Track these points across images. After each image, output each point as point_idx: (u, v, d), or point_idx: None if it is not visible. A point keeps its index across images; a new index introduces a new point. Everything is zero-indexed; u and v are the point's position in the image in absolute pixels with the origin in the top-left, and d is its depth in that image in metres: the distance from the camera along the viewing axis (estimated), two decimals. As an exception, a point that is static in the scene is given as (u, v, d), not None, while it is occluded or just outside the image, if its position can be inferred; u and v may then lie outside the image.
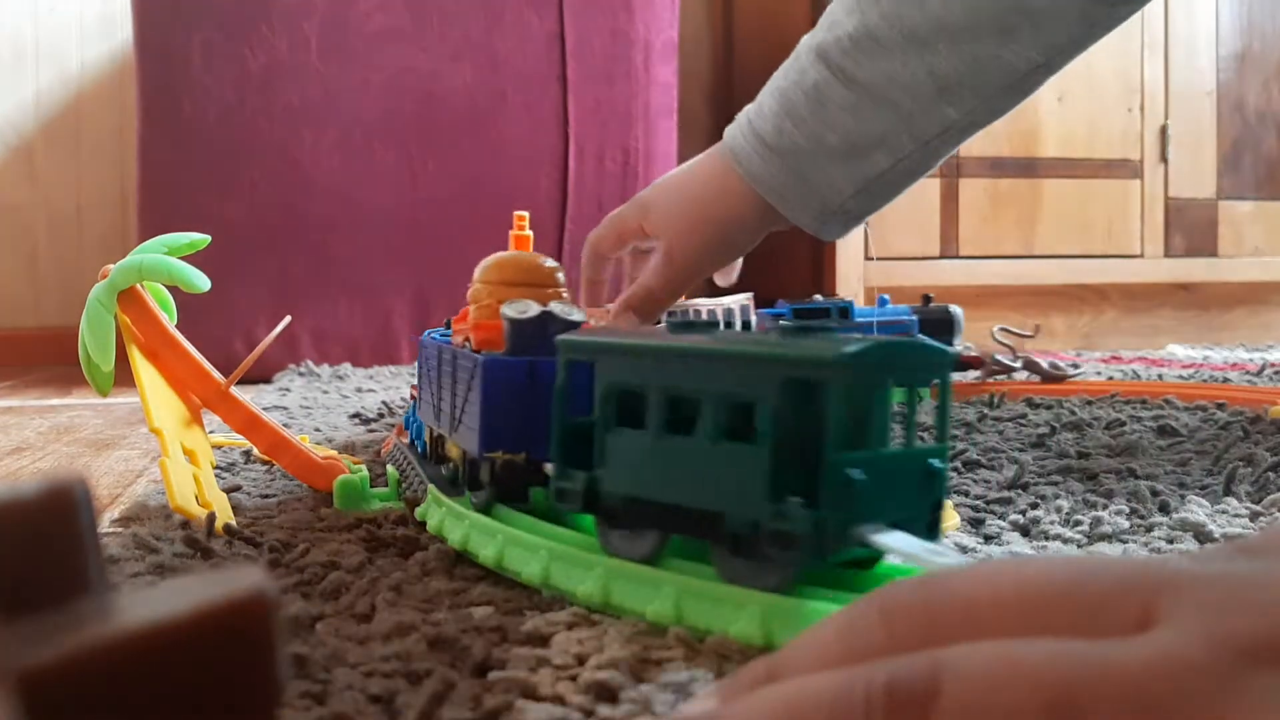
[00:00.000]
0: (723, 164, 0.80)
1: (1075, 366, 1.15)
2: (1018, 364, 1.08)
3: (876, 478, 0.32)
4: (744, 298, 1.09)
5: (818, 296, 1.06)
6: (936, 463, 0.34)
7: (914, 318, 1.05)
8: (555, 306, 0.47)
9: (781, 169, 0.77)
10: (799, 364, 0.32)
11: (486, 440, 0.44)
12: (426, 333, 0.59)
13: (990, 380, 1.07)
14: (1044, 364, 1.08)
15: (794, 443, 0.32)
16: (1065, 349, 1.75)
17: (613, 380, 0.37)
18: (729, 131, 0.81)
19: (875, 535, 0.31)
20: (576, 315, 0.47)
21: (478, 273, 0.52)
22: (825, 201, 0.78)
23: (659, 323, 0.84)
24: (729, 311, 1.07)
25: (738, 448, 0.33)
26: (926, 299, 1.09)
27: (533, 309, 0.46)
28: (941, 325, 1.07)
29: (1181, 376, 1.18)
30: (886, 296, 1.08)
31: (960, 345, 1.08)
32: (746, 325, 1.07)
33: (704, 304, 1.08)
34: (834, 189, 0.78)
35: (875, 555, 0.34)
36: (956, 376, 1.08)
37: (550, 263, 0.52)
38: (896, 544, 0.31)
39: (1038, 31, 0.73)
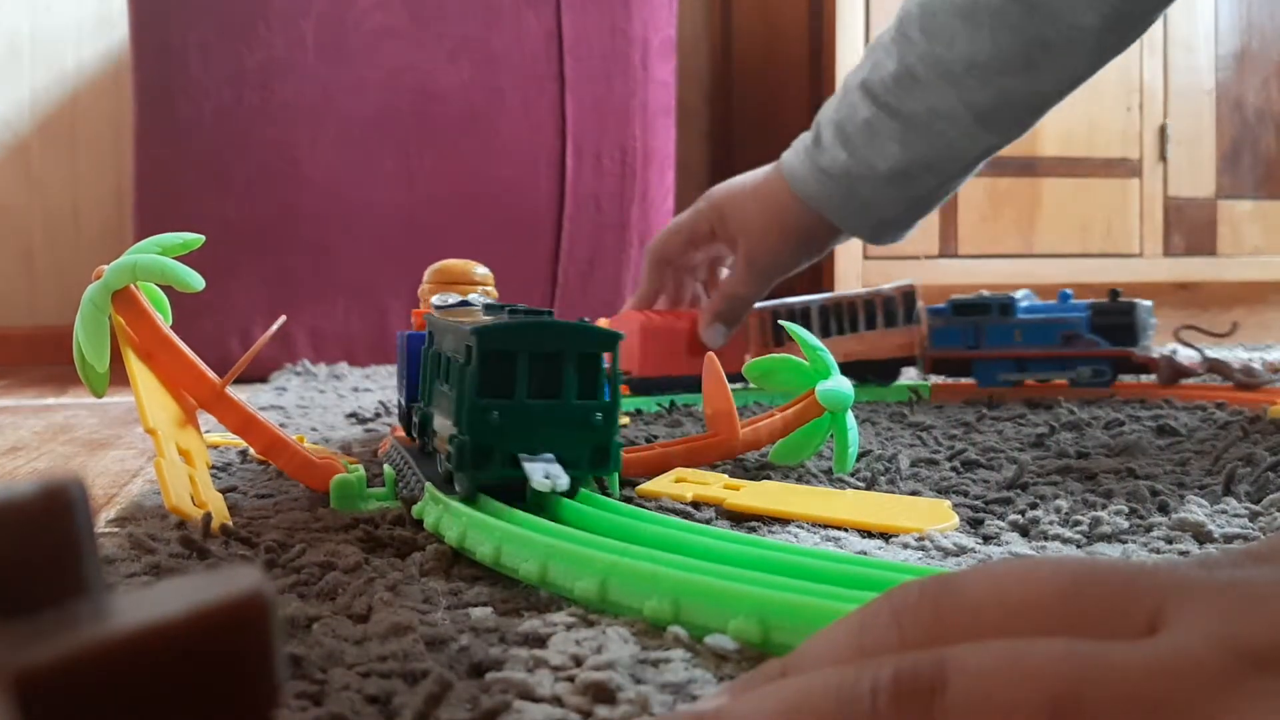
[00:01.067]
0: (783, 183, 0.89)
1: (1277, 371, 0.99)
2: (1202, 369, 0.96)
3: (521, 420, 0.44)
4: (904, 284, 1.05)
5: (984, 292, 1.04)
6: (598, 415, 0.45)
7: (1084, 314, 0.98)
8: (472, 297, 0.63)
9: (836, 191, 0.87)
10: (468, 335, 0.44)
11: (409, 394, 0.60)
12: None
13: (1171, 385, 0.96)
14: (1235, 368, 0.94)
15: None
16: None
17: (434, 347, 0.51)
18: (786, 159, 0.90)
19: (524, 461, 0.44)
20: (487, 302, 0.62)
21: (425, 275, 0.67)
22: (880, 217, 0.89)
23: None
24: (889, 300, 1.04)
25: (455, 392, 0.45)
26: (1114, 294, 1.00)
27: (452, 299, 0.61)
28: (1119, 324, 0.97)
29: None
30: (1069, 292, 1.02)
31: (1143, 346, 0.97)
32: (909, 314, 1.03)
33: (859, 293, 1.06)
34: (885, 207, 0.88)
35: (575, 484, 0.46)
36: (1128, 379, 0.99)
37: (480, 269, 0.67)
38: (527, 467, 0.43)
39: (1057, 63, 0.80)
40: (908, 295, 1.04)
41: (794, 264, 0.93)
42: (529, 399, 0.44)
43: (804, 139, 0.89)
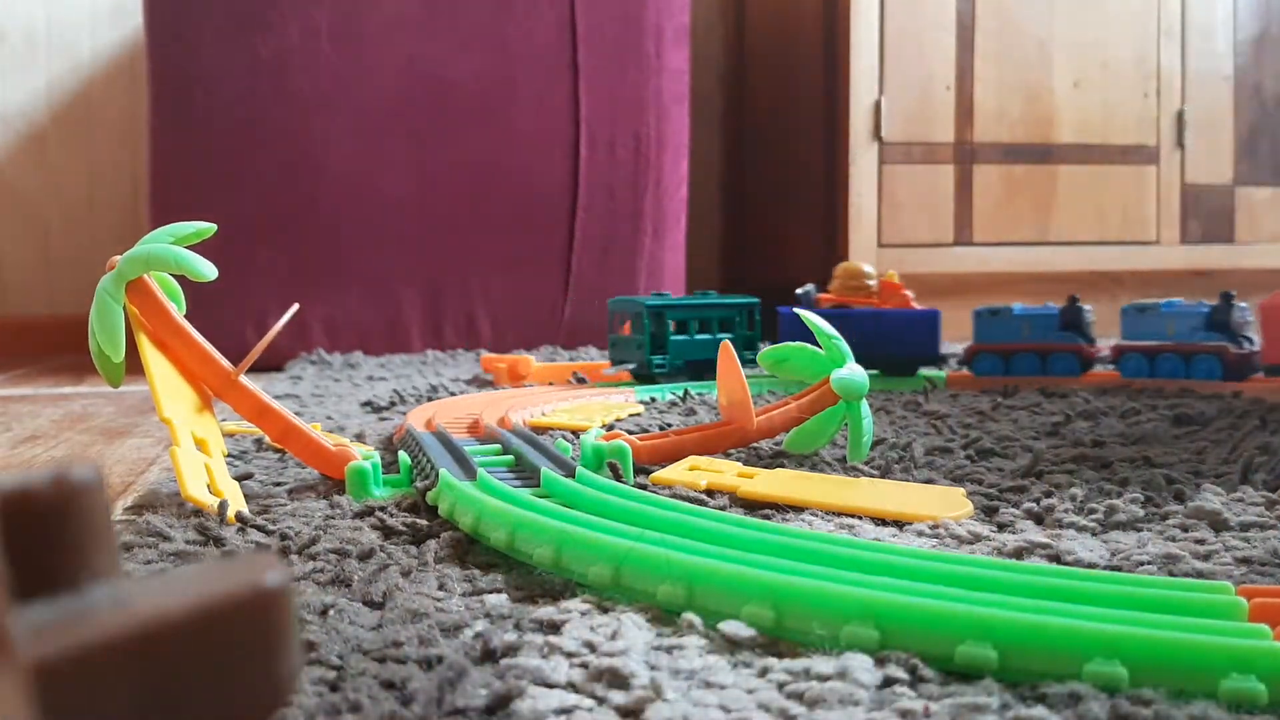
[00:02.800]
0: None
1: None
2: None
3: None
4: None
5: None
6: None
7: None
8: (809, 288, 1.09)
9: None
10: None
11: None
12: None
13: None
14: None
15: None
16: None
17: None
18: None
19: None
20: (811, 290, 1.08)
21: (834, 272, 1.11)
22: None
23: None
24: None
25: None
26: None
27: (809, 290, 1.08)
28: None
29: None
30: None
31: None
32: None
33: None
34: None
35: None
36: None
37: (867, 267, 1.09)
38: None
39: None
40: None
41: None
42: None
43: None
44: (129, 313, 0.52)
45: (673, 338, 0.96)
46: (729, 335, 0.98)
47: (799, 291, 1.08)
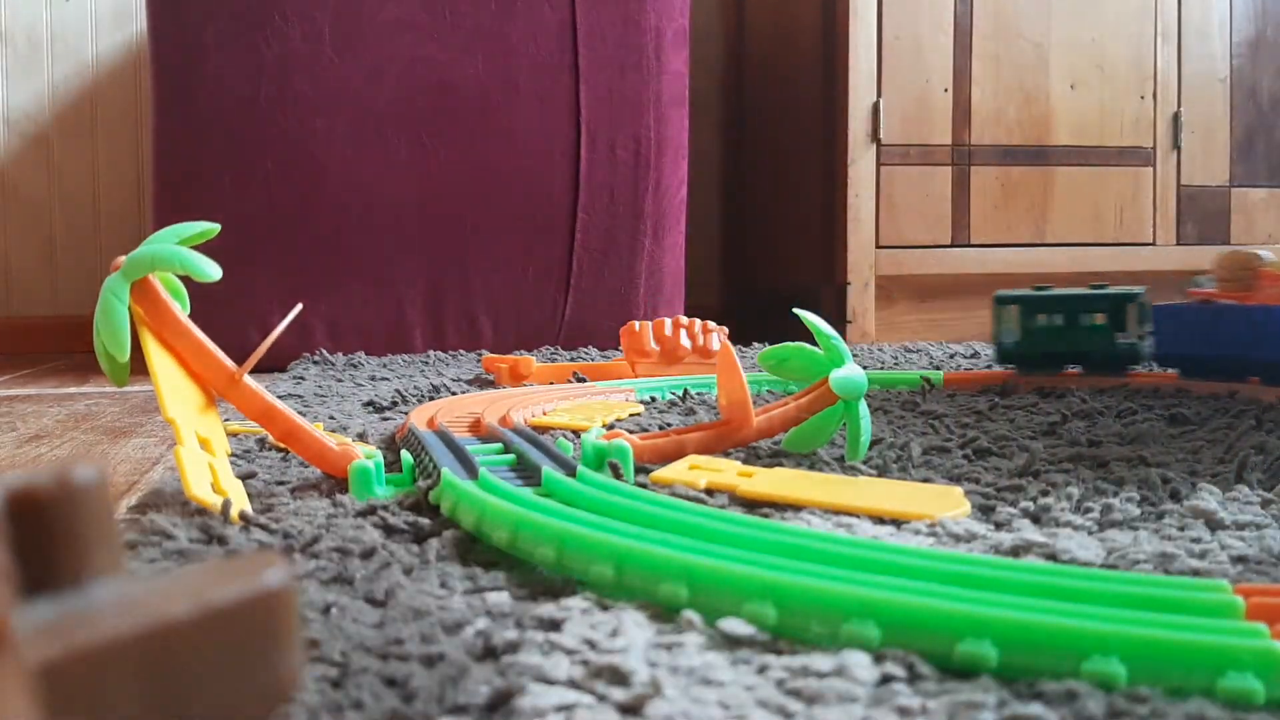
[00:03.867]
0: None
1: None
2: None
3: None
4: None
5: None
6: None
7: None
8: (1202, 280, 0.96)
9: None
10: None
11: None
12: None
13: None
14: None
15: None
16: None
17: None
18: None
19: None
20: (1207, 288, 0.94)
21: (1219, 262, 0.93)
22: None
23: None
24: None
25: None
26: None
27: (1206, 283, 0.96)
28: None
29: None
30: None
31: None
32: None
33: None
34: None
35: None
36: None
37: (1264, 253, 0.89)
38: None
39: None
40: None
41: None
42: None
43: None
44: (133, 313, 0.53)
45: (1035, 328, 0.99)
46: (1100, 328, 0.96)
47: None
